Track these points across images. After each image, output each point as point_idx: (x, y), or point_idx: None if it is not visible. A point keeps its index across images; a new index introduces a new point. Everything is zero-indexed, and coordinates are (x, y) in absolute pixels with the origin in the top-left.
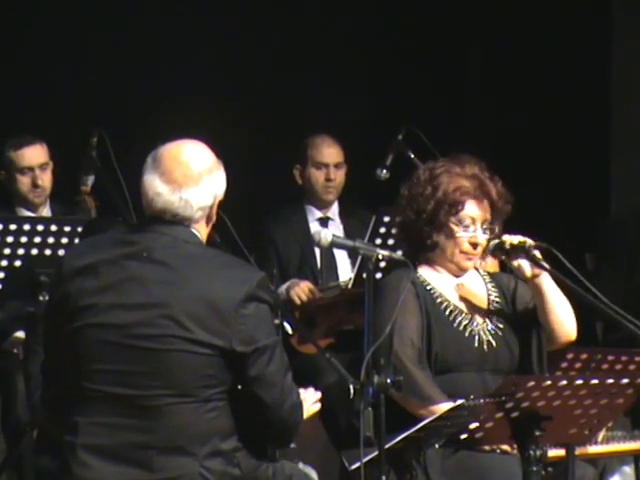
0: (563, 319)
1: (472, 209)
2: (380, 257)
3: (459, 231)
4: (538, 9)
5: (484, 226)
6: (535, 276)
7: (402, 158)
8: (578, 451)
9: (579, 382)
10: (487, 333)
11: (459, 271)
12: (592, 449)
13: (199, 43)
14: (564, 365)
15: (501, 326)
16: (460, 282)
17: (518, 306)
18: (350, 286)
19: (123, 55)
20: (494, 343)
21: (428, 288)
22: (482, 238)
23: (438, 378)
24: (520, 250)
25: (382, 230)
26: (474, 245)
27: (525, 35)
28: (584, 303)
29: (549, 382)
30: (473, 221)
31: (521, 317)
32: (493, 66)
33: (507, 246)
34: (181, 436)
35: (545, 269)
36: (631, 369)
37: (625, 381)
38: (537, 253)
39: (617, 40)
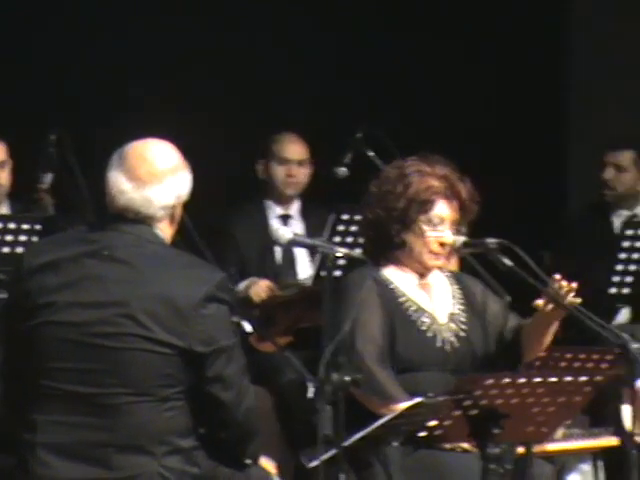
0: (542, 349)
1: (442, 209)
2: (339, 255)
3: (428, 230)
4: (498, 8)
5: (452, 227)
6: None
7: (361, 156)
8: (536, 449)
9: (537, 380)
10: (449, 333)
11: (425, 270)
12: (550, 447)
13: (164, 42)
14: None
15: (464, 327)
16: (424, 281)
17: (488, 316)
18: (310, 284)
19: (86, 54)
20: (456, 344)
21: (391, 287)
22: (450, 238)
23: (400, 377)
24: (481, 247)
25: (341, 228)
26: (442, 245)
27: (483, 34)
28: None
29: (507, 380)
30: (442, 221)
31: (491, 330)
32: (453, 65)
33: (468, 242)
34: (139, 435)
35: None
36: (589, 367)
37: (583, 379)
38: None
39: (575, 39)
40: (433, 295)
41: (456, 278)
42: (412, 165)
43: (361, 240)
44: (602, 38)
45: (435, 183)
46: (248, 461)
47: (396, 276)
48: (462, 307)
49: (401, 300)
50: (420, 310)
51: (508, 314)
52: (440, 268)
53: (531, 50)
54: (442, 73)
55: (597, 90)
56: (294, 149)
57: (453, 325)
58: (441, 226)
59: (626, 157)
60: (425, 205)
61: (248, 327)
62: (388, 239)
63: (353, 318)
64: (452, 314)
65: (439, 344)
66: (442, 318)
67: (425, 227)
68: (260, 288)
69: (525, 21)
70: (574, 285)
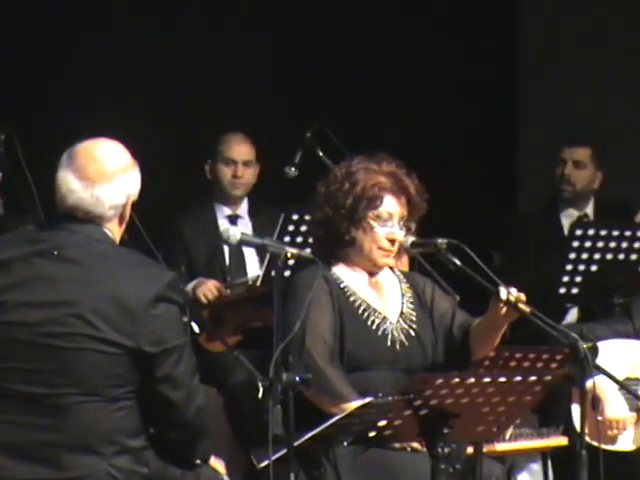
0: (491, 347)
1: (390, 204)
2: (289, 255)
3: (377, 227)
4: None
5: (401, 222)
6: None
7: (311, 156)
8: (486, 448)
9: (487, 380)
10: (400, 332)
11: (375, 268)
12: (500, 446)
13: (117, 43)
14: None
15: (414, 326)
16: (374, 280)
17: (437, 313)
18: (259, 284)
19: (38, 52)
20: (406, 342)
21: (342, 286)
22: (399, 234)
23: (350, 376)
24: (432, 247)
25: (290, 228)
26: (391, 241)
27: (430, 36)
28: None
29: (457, 380)
30: (391, 217)
31: (439, 328)
32: (400, 64)
33: (417, 242)
34: (89, 435)
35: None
36: (539, 366)
37: (533, 378)
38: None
39: (524, 39)
40: (384, 294)
41: (406, 277)
42: (359, 163)
43: (311, 240)
44: (554, 39)
45: (382, 179)
46: (198, 461)
47: (346, 275)
48: (412, 306)
49: (352, 299)
50: (370, 309)
51: (456, 312)
52: (390, 267)
53: (484, 50)
54: (394, 73)
55: (547, 91)
56: (240, 149)
57: (403, 324)
58: (390, 222)
59: (585, 153)
60: (373, 201)
61: (196, 328)
62: (338, 238)
63: (303, 317)
64: (402, 313)
65: (389, 343)
66: (392, 317)
67: (374, 223)
68: (207, 288)
69: (478, 20)
70: (523, 297)
